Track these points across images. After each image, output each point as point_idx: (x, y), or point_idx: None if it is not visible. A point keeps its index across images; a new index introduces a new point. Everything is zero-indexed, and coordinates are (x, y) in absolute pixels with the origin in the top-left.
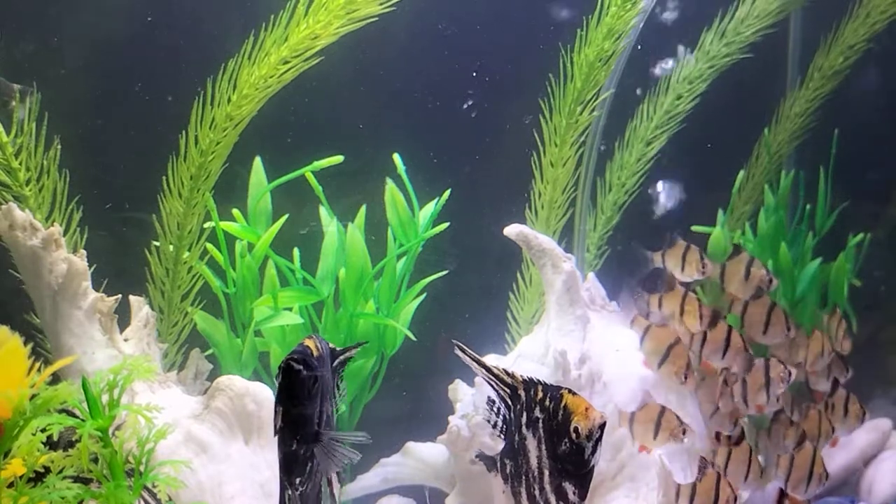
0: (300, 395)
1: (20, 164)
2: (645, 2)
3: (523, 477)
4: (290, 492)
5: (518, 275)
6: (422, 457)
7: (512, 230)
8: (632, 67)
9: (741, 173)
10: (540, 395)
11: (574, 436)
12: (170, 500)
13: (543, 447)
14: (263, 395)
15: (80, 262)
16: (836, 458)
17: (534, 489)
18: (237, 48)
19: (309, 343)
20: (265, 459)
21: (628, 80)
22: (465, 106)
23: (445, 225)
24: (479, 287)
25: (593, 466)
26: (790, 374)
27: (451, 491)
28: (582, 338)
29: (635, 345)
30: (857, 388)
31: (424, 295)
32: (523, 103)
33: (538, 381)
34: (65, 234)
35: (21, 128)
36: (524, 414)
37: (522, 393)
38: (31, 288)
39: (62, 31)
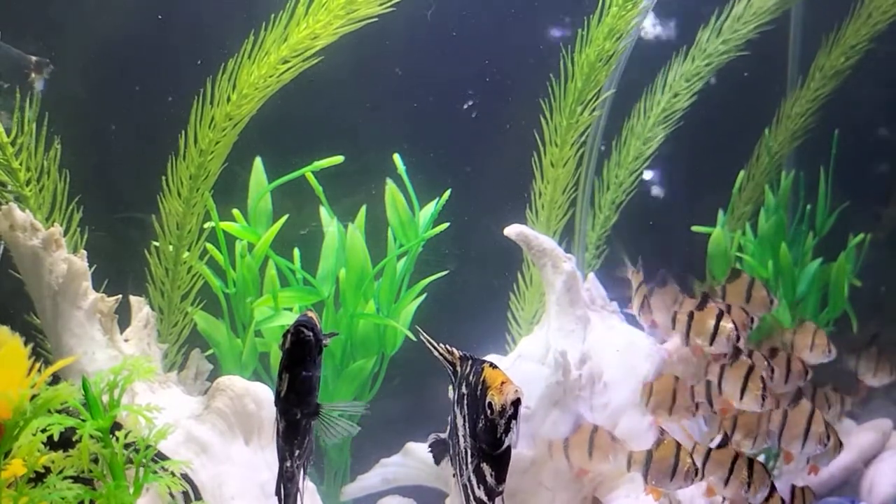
0: (307, 360)
1: (20, 164)
2: (646, 1)
3: (456, 458)
4: (289, 463)
5: (518, 275)
6: (422, 457)
7: (512, 230)
8: (632, 67)
9: (741, 173)
10: (467, 369)
11: (488, 411)
12: (194, 489)
13: (467, 425)
14: (264, 396)
15: (81, 262)
16: (837, 458)
17: (462, 470)
18: (237, 47)
19: (310, 314)
20: (265, 460)
21: (629, 79)
22: (465, 106)
23: (445, 225)
24: (480, 287)
25: (509, 447)
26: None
27: (450, 491)
28: (582, 338)
29: (636, 345)
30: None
31: (425, 295)
32: (523, 103)
33: (469, 356)
34: (65, 235)
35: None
36: (456, 391)
37: (459, 369)
38: (31, 288)
39: (62, 30)
